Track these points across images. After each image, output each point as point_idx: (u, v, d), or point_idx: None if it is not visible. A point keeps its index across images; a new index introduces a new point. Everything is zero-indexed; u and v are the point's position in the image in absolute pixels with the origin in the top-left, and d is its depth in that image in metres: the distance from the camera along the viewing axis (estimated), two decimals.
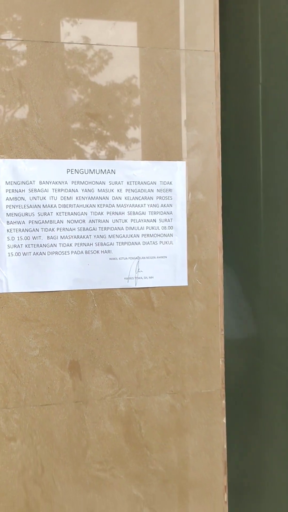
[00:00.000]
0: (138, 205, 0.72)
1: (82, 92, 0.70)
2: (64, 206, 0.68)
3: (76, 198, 0.68)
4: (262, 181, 0.98)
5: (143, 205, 0.72)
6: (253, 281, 1.03)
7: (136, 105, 0.72)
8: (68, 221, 0.68)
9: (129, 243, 0.71)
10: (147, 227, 0.72)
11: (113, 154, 0.71)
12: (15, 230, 0.66)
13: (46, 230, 0.67)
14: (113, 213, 0.70)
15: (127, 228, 0.71)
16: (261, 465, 0.97)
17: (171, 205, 0.73)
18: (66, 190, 0.68)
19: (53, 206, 0.67)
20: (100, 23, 0.70)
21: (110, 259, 0.70)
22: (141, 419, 0.74)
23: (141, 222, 0.72)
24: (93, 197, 0.69)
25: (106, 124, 0.71)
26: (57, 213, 0.68)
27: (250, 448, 1.03)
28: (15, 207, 0.66)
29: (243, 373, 1.04)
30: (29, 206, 0.67)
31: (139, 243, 0.72)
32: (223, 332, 0.80)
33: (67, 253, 0.69)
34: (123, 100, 0.71)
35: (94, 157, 0.70)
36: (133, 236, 0.71)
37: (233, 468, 1.06)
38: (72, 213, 0.68)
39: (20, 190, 0.66)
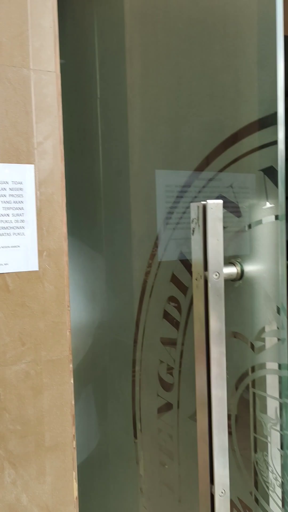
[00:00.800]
0: None
1: None
2: None
3: None
4: (102, 181, 1.16)
5: None
6: (98, 267, 1.21)
7: None
8: None
9: None
10: (1, 221, 0.84)
11: None
12: None
13: None
14: None
15: None
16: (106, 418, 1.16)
17: (22, 202, 0.86)
18: None
19: None
20: None
21: None
22: (0, 387, 0.86)
23: None
24: None
25: None
26: None
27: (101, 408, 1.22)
28: None
29: (95, 346, 1.22)
30: None
31: None
32: (69, 308, 0.96)
33: None
34: None
35: None
36: None
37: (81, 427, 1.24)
38: None
39: None
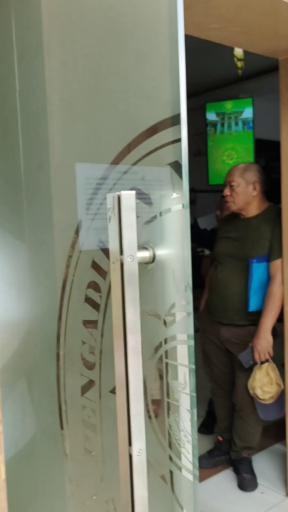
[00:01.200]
0: None
1: None
2: None
3: None
4: (23, 173, 1.19)
5: None
6: (21, 256, 1.23)
7: None
8: None
9: None
10: None
11: None
12: None
13: None
14: None
15: None
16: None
17: None
18: None
19: None
20: None
21: None
22: None
23: None
24: None
25: None
26: None
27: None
28: None
29: (22, 337, 1.25)
30: None
31: None
32: None
33: None
34: None
35: None
36: None
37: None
38: None
39: None
